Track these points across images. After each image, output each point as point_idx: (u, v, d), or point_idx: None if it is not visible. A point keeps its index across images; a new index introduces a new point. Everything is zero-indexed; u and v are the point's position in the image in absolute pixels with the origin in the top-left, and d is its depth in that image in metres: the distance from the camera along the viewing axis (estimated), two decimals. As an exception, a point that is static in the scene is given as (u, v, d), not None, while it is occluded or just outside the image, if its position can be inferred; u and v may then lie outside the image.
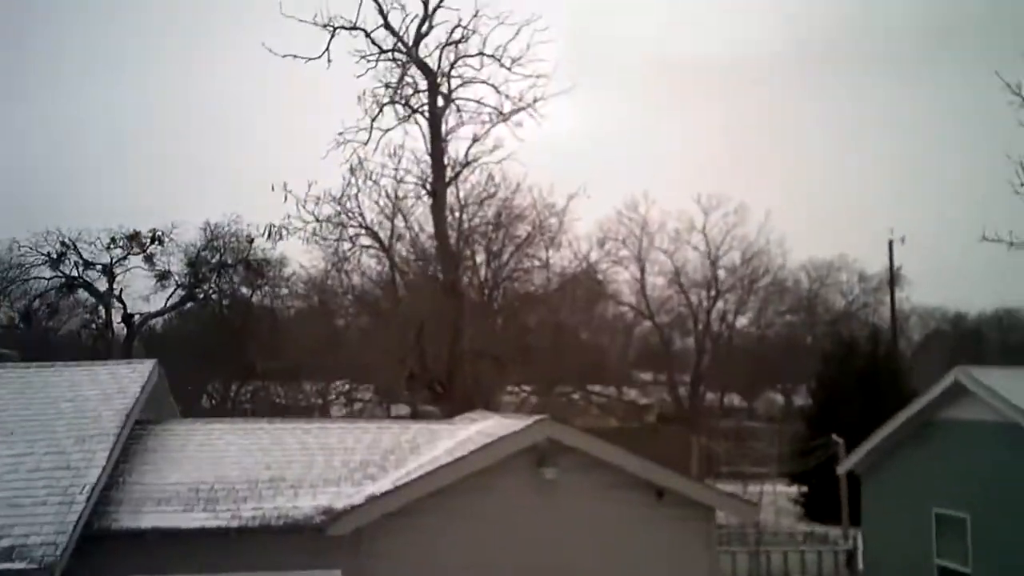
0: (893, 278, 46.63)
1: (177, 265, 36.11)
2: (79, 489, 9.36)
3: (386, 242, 25.21)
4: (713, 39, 72.53)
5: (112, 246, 35.50)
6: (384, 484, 10.66)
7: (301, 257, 49.26)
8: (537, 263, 33.98)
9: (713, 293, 52.62)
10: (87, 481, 9.51)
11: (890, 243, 44.67)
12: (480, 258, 30.47)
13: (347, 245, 24.69)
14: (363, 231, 24.58)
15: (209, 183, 56.30)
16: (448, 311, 23.21)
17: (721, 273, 52.71)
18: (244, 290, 37.42)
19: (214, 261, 36.05)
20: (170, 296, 35.78)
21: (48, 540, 8.54)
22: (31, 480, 9.57)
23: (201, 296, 36.27)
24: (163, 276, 35.71)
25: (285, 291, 36.34)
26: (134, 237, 36.06)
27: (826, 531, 27.26)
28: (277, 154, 57.28)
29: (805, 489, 32.00)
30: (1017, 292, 68.14)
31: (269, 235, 24.28)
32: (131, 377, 11.90)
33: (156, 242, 35.98)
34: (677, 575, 10.73)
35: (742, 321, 55.23)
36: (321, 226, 23.71)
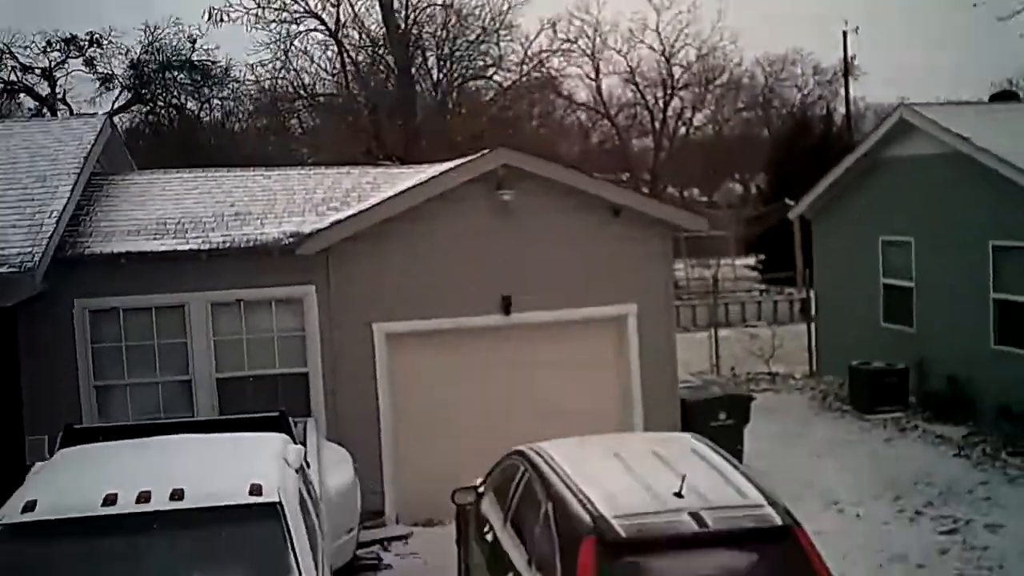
0: (847, 68, 46.82)
1: (119, 68, 35.10)
2: (47, 215, 9.55)
3: (332, 27, 24.57)
4: None
5: (49, 49, 34.27)
6: (348, 214, 10.94)
7: (244, 49, 47.47)
8: (488, 60, 33.53)
9: (669, 91, 52.45)
10: (54, 208, 9.69)
11: (844, 33, 44.82)
12: (432, 61, 30.00)
13: (293, 27, 24.01)
14: (308, 15, 23.91)
15: None
16: (401, 95, 23.01)
17: (676, 71, 52.37)
18: (190, 99, 36.60)
19: (157, 63, 34.95)
20: (116, 99, 34.93)
21: (24, 250, 8.77)
22: (-2, 211, 9.72)
23: (148, 97, 35.35)
24: (106, 79, 34.66)
25: (230, 95, 35.43)
26: (71, 40, 34.76)
27: (782, 288, 28.63)
28: None
29: (763, 257, 33.32)
30: (969, 88, 68.50)
31: (210, 17, 23.40)
32: (84, 128, 11.87)
33: (95, 45, 34.74)
34: (635, 291, 11.31)
35: (699, 119, 55.51)
36: (263, 11, 22.95)
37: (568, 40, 47.22)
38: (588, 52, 49.15)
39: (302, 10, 23.01)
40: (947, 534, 10.19)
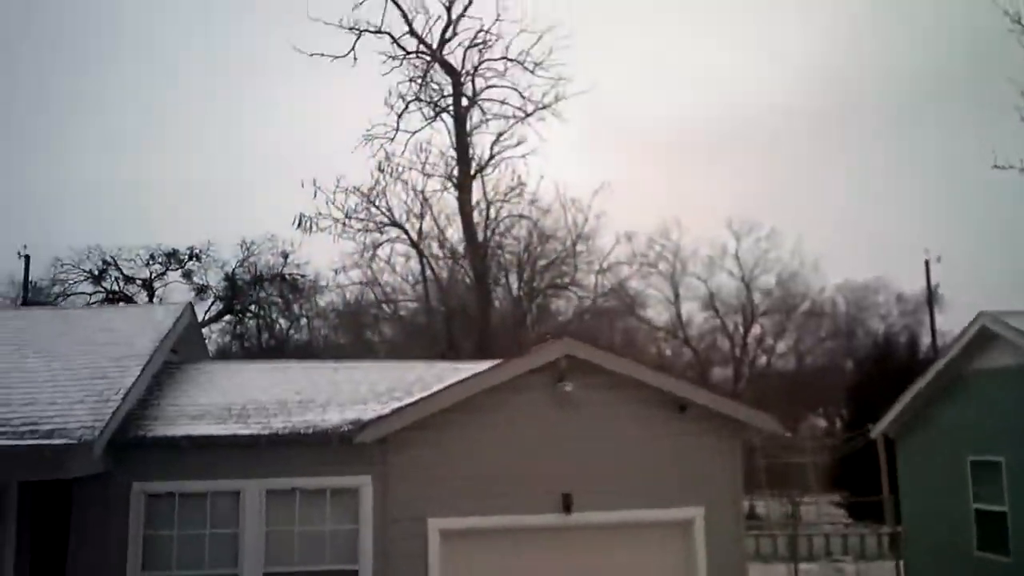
0: (931, 295, 46.52)
1: (214, 280, 36.98)
2: (114, 391, 9.71)
3: (414, 238, 25.64)
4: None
5: (151, 262, 36.42)
6: (407, 402, 10.88)
7: (331, 263, 49.49)
8: (567, 280, 34.26)
9: (749, 317, 52.49)
10: (121, 386, 9.86)
11: (926, 262, 44.81)
12: (509, 274, 30.84)
13: (376, 235, 25.12)
14: (391, 226, 25.07)
15: (244, 197, 57.00)
16: (478, 306, 23.52)
17: (756, 297, 52.63)
18: (280, 316, 38.07)
19: (251, 276, 36.80)
20: (208, 309, 36.52)
21: (86, 424, 8.84)
22: (68, 387, 9.93)
23: (238, 308, 36.91)
24: (201, 290, 36.50)
25: (314, 310, 36.73)
26: (172, 254, 36.98)
27: (868, 523, 26.94)
28: (306, 160, 58.38)
29: (847, 494, 31.70)
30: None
31: (300, 224, 24.72)
32: (164, 313, 12.29)
33: (194, 259, 36.85)
34: (702, 493, 10.79)
35: (780, 348, 54.98)
36: (350, 220, 24.20)
37: (648, 264, 48.40)
38: (668, 275, 50.08)
39: (386, 220, 24.18)
40: None
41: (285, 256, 36.13)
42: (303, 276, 36.33)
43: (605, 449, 10.73)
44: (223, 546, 10.45)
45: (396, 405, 10.69)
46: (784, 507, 30.63)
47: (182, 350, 12.70)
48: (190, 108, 61.29)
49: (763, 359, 54.38)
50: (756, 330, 53.16)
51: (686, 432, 10.83)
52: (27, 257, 31.46)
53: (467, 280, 24.17)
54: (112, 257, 36.25)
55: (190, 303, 12.80)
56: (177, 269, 36.88)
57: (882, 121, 69.31)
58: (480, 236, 24.47)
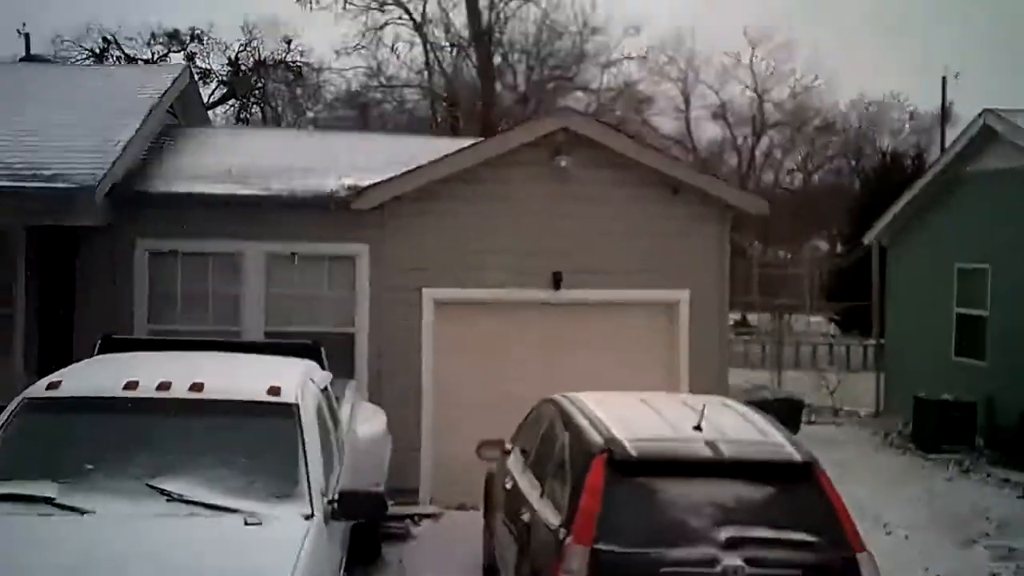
0: (944, 114, 45.62)
1: (217, 64, 36.26)
2: (113, 143, 9.79)
3: (418, 20, 24.85)
4: None
5: (152, 42, 35.59)
6: (405, 170, 10.97)
7: (332, 36, 48.11)
8: (573, 75, 33.46)
9: (759, 129, 51.75)
10: (121, 138, 9.94)
11: (943, 79, 43.65)
12: (514, 62, 30.06)
13: (378, 15, 24.27)
14: (394, 5, 24.24)
15: None
16: (483, 93, 23.11)
17: (768, 108, 51.68)
18: (283, 104, 37.57)
19: (252, 61, 36.07)
20: (211, 93, 35.99)
21: (87, 171, 8.98)
22: (69, 136, 10.00)
23: (242, 93, 36.41)
24: (204, 74, 35.76)
25: (315, 93, 36.17)
26: (174, 35, 36.08)
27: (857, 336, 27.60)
28: None
29: (839, 310, 32.30)
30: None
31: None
32: (162, 72, 12.20)
33: (196, 40, 35.99)
34: (689, 277, 11.07)
35: (788, 165, 54.38)
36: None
37: (657, 74, 47.23)
38: (680, 88, 49.03)
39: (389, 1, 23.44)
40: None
41: (288, 42, 35.28)
42: (307, 64, 35.65)
43: (597, 229, 10.88)
44: (225, 305, 10.82)
45: (393, 173, 10.79)
46: (774, 318, 31.32)
47: (183, 116, 12.70)
48: None
49: (770, 175, 54.04)
50: (765, 143, 52.58)
51: (676, 215, 10.96)
52: (27, 35, 30.72)
53: (472, 69, 23.70)
54: (112, 35, 35.37)
55: (188, 65, 12.69)
56: (179, 51, 35.94)
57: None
58: (486, 20, 23.76)
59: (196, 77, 35.70)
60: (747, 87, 50.52)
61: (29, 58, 15.41)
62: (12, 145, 9.42)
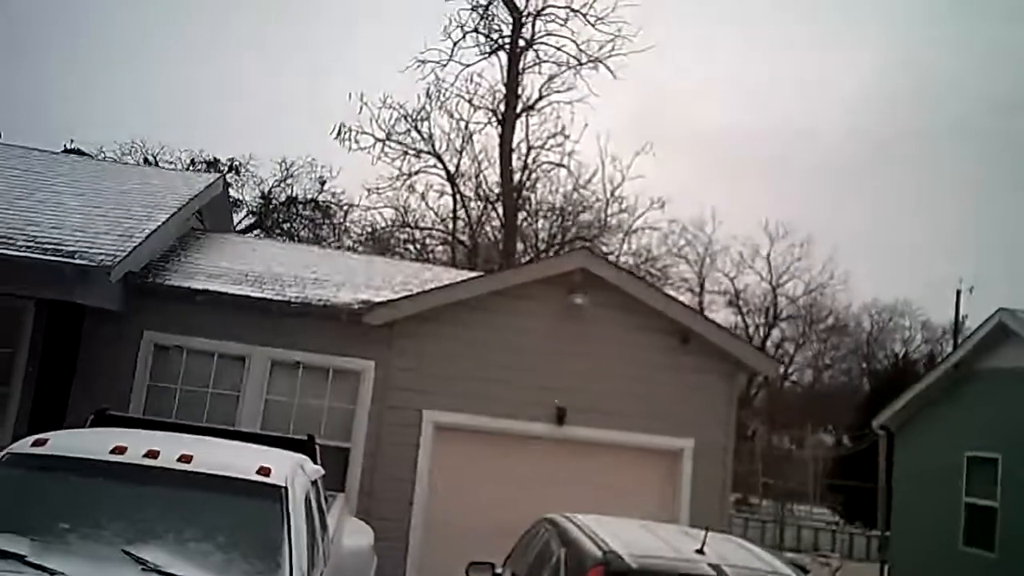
0: (957, 327, 45.92)
1: (249, 195, 37.16)
2: (138, 230, 9.92)
3: (450, 170, 25.67)
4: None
5: (191, 167, 36.59)
6: (419, 290, 11.05)
7: (367, 176, 49.42)
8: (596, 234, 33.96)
9: (771, 320, 52.02)
10: (146, 228, 10.07)
11: (958, 292, 44.19)
12: (539, 222, 30.71)
13: (413, 161, 25.17)
14: (429, 154, 25.11)
15: (288, 115, 56.80)
16: (504, 249, 23.61)
17: (782, 301, 52.09)
18: (309, 233, 38.31)
19: (285, 197, 37.00)
20: (239, 221, 36.69)
21: (107, 253, 9.06)
22: (96, 220, 10.15)
23: (269, 224, 37.13)
24: (235, 203, 36.65)
25: (343, 229, 36.87)
26: (213, 163, 37.15)
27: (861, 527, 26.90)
28: (356, 82, 58.47)
29: (843, 499, 31.65)
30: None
31: (339, 134, 24.73)
32: (197, 179, 12.50)
33: (233, 171, 36.99)
34: (695, 426, 10.90)
35: (798, 361, 54.31)
36: (390, 141, 24.18)
37: (677, 254, 47.93)
38: (696, 272, 49.59)
39: (425, 148, 24.27)
40: None
41: (322, 182, 36.27)
42: (338, 204, 36.50)
43: (605, 369, 10.84)
44: (223, 407, 10.68)
45: (406, 293, 10.86)
46: (777, 501, 30.67)
47: (210, 221, 12.93)
48: (244, 16, 61.15)
49: (780, 367, 53.77)
50: (776, 334, 52.70)
51: (686, 365, 10.92)
52: (77, 150, 31.86)
53: (497, 222, 24.34)
54: (154, 155, 36.52)
55: (222, 175, 13.01)
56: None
57: (935, 147, 68.56)
58: (516, 179, 24.55)
59: (228, 198, 36.99)
60: (762, 278, 51.08)
61: (72, 151, 15.97)
62: (40, 222, 9.57)
